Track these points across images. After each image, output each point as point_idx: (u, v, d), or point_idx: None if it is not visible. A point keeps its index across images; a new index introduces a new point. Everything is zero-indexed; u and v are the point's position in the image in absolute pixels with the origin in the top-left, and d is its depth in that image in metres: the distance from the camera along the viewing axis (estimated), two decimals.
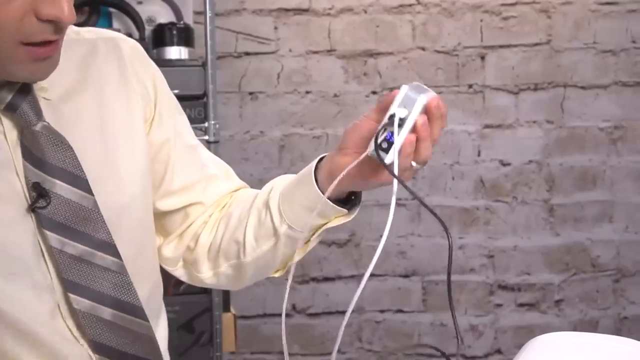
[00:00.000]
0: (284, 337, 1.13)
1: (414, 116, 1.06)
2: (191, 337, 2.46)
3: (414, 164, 1.10)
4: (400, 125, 1.06)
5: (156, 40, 2.51)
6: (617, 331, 3.27)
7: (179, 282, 2.35)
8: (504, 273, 3.22)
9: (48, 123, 1.11)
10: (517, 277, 3.22)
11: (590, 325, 3.26)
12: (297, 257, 1.27)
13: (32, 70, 1.06)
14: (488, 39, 3.13)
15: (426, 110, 1.08)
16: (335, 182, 1.11)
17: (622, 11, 3.15)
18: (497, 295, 3.22)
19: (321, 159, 1.20)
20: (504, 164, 3.18)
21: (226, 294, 2.52)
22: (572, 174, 3.20)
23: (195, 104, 2.39)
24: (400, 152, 1.07)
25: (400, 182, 1.06)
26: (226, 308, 2.53)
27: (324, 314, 3.16)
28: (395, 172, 1.06)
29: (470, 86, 3.15)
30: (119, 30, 2.52)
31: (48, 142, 1.10)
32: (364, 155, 1.07)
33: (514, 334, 3.24)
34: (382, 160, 1.06)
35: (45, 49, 1.04)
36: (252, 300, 3.08)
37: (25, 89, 1.10)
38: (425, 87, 1.09)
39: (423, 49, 3.11)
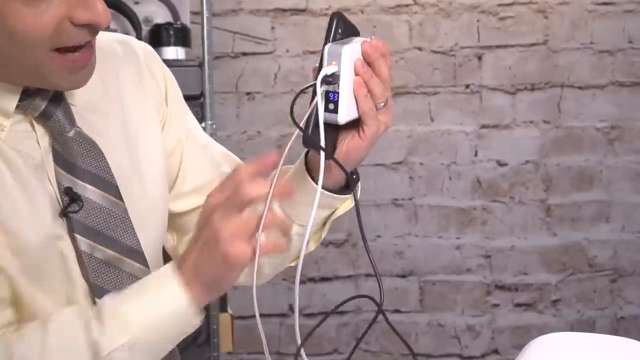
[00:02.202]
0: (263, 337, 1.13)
1: (347, 65, 1.05)
2: (188, 338, 2.45)
3: (379, 105, 1.10)
4: (334, 82, 1.04)
5: (153, 40, 2.50)
6: (614, 331, 3.27)
7: None
8: (501, 273, 3.22)
9: (80, 129, 1.12)
10: (514, 277, 3.22)
11: (587, 325, 3.26)
12: (312, 246, 1.29)
13: (72, 80, 1.06)
14: (485, 39, 3.13)
15: (363, 55, 1.07)
16: (285, 151, 1.08)
17: (619, 11, 3.15)
18: (494, 296, 3.23)
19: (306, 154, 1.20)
20: (501, 164, 3.18)
21: (223, 294, 2.52)
22: (569, 174, 3.20)
23: (192, 104, 2.38)
24: (356, 98, 1.06)
25: (319, 146, 1.05)
26: (223, 308, 2.53)
27: (320, 314, 3.16)
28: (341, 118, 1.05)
29: (467, 86, 3.15)
30: (115, 31, 2.52)
31: (80, 147, 1.11)
32: (305, 118, 1.05)
33: (511, 334, 3.24)
34: (294, 120, 1.05)
35: (81, 56, 1.04)
36: (249, 300, 3.06)
37: (58, 96, 1.10)
38: (351, 38, 1.08)
39: (420, 49, 3.11)
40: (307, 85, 1.07)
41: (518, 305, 3.23)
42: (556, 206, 3.21)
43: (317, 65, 1.09)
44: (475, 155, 3.17)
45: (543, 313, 3.24)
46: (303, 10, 3.07)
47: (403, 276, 3.18)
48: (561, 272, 3.23)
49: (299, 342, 1.04)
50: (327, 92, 1.05)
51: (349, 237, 3.13)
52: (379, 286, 1.06)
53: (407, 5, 3.10)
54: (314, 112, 1.05)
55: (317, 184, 1.12)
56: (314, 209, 1.04)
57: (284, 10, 3.06)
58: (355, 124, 1.10)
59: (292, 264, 1.32)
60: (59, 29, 0.99)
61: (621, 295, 3.26)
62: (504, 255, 3.21)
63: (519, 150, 3.17)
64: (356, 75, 1.06)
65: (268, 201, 1.05)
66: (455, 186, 3.18)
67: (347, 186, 1.20)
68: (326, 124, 1.06)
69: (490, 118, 3.16)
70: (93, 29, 1.02)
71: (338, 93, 1.05)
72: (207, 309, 2.45)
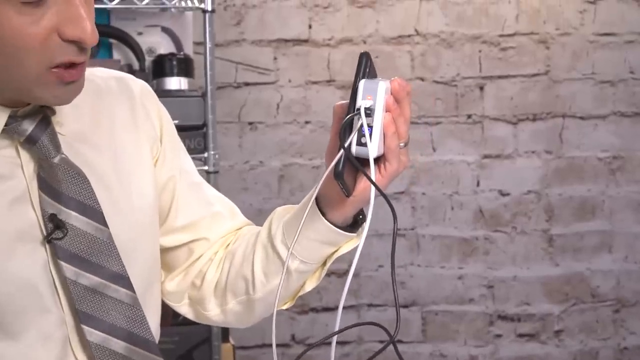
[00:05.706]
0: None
1: (381, 101, 1.06)
2: None
3: (401, 144, 1.10)
4: (369, 115, 1.06)
5: (156, 70, 2.51)
6: None
7: (177, 312, 2.35)
8: (504, 303, 3.21)
9: (66, 156, 1.12)
10: (517, 307, 3.21)
11: (590, 356, 3.24)
12: (309, 287, 1.29)
13: (58, 94, 1.07)
14: (487, 70, 3.15)
15: (392, 93, 1.08)
16: (318, 185, 1.13)
17: (620, 42, 3.16)
18: (496, 326, 3.21)
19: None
20: (503, 194, 3.18)
21: None
22: (571, 204, 3.20)
23: (194, 134, 2.39)
24: (384, 135, 1.07)
25: (366, 175, 1.06)
26: (225, 338, 2.52)
27: (323, 345, 3.14)
28: (373, 154, 1.06)
29: (469, 116, 3.15)
30: (119, 61, 2.54)
31: (65, 174, 1.11)
32: (340, 153, 1.06)
33: None
34: (345, 148, 1.05)
35: (71, 72, 1.05)
36: (251, 330, 3.05)
37: (44, 122, 1.11)
38: (377, 78, 1.10)
39: (422, 79, 3.12)
40: (349, 116, 1.06)
41: (521, 335, 3.22)
42: (558, 236, 3.20)
43: (343, 101, 1.10)
44: (477, 185, 3.17)
45: (546, 343, 3.22)
46: (305, 41, 3.09)
47: (405, 306, 3.18)
48: (564, 303, 3.22)
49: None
50: (350, 126, 1.06)
51: (351, 267, 3.12)
52: (397, 315, 1.07)
53: (409, 36, 3.12)
54: (349, 145, 1.06)
55: (327, 219, 1.17)
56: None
57: (286, 41, 3.08)
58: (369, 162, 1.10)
59: (285, 307, 1.32)
60: (47, 41, 1.01)
61: (624, 326, 3.24)
62: (506, 286, 3.20)
63: (521, 180, 3.17)
64: (386, 111, 1.07)
65: (285, 266, 1.16)
66: (457, 216, 3.17)
67: (353, 225, 1.20)
68: (353, 159, 1.07)
69: (492, 148, 3.16)
70: (80, 47, 1.04)
71: (371, 127, 1.05)
72: (208, 339, 2.44)
